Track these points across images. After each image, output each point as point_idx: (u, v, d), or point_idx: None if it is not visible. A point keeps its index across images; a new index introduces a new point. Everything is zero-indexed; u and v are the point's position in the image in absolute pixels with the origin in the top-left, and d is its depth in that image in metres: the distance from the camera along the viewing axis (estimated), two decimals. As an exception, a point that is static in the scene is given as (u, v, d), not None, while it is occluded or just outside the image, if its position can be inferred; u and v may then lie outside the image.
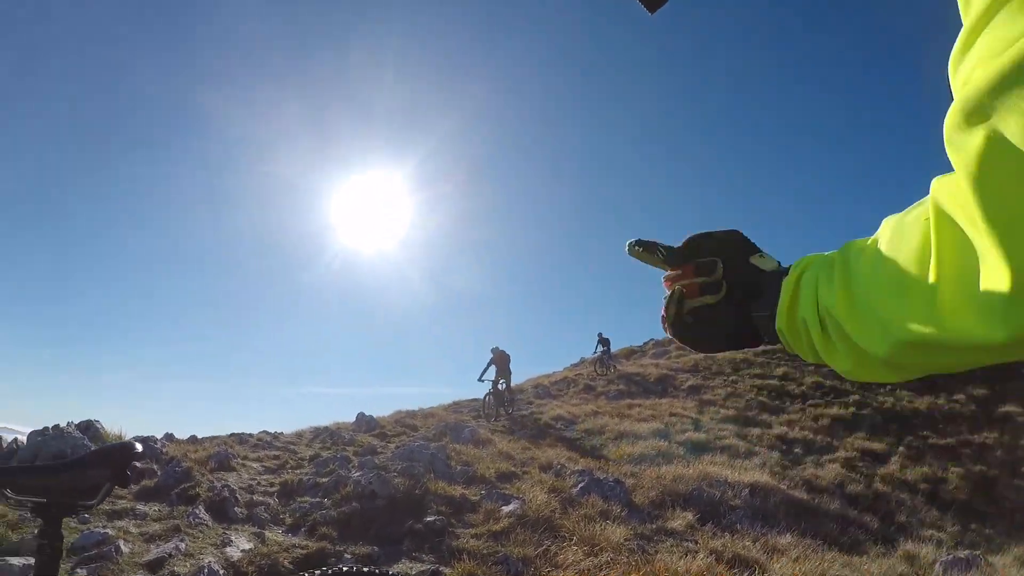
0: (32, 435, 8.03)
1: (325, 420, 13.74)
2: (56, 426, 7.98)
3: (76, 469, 1.47)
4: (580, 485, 7.23)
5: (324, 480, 7.39)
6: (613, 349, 23.78)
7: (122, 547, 4.92)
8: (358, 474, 7.13)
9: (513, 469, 8.28)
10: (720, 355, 23.21)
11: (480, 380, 16.75)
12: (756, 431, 13.92)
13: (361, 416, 13.71)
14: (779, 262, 0.91)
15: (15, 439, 8.55)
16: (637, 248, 0.97)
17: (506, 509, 6.22)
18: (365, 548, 5.42)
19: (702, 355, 23.86)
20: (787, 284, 0.83)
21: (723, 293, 0.91)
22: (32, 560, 4.53)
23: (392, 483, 6.70)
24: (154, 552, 5.01)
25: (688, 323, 0.93)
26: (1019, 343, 0.52)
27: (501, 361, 16.94)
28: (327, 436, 11.61)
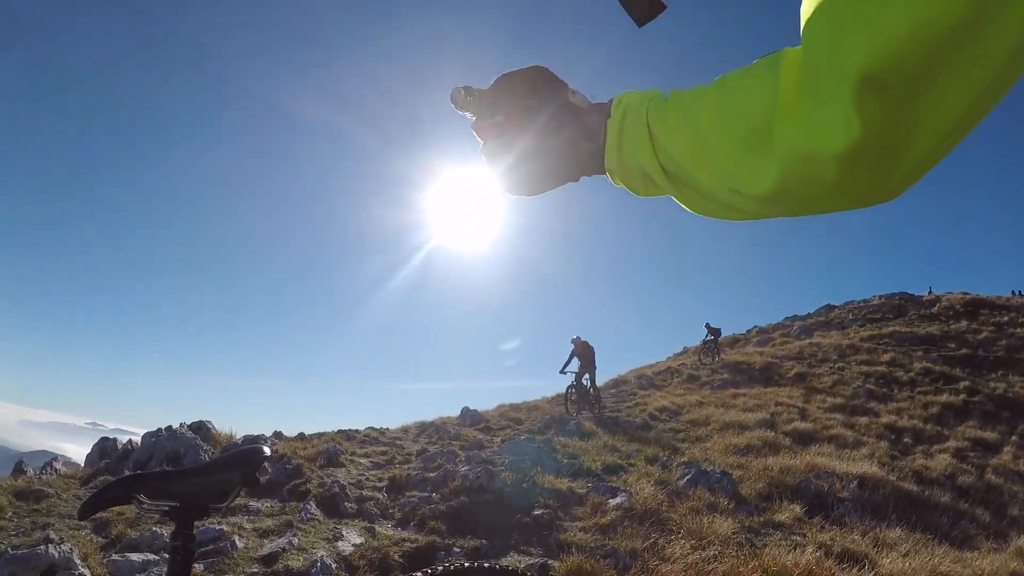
0: (146, 436, 8.50)
1: (428, 415, 14.09)
2: (169, 427, 8.40)
3: (207, 474, 1.52)
4: (686, 477, 7.20)
5: (432, 475, 7.56)
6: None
7: (237, 542, 5.13)
8: (465, 468, 7.27)
9: (619, 461, 8.30)
10: (826, 342, 22.53)
11: (562, 372, 15.49)
12: (864, 420, 13.44)
13: (466, 410, 14.00)
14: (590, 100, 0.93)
15: (129, 440, 9.10)
16: (462, 93, 0.95)
17: (613, 502, 6.25)
18: (474, 542, 5.50)
19: (806, 342, 23.20)
20: (612, 125, 0.85)
21: (544, 131, 0.92)
22: (150, 556, 4.76)
23: (499, 477, 6.82)
24: (268, 547, 5.19)
25: (513, 165, 0.94)
26: (856, 154, 0.58)
27: (584, 353, 15.69)
28: (432, 431, 11.87)
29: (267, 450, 1.61)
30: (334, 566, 4.89)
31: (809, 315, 32.40)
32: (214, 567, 4.73)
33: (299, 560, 4.98)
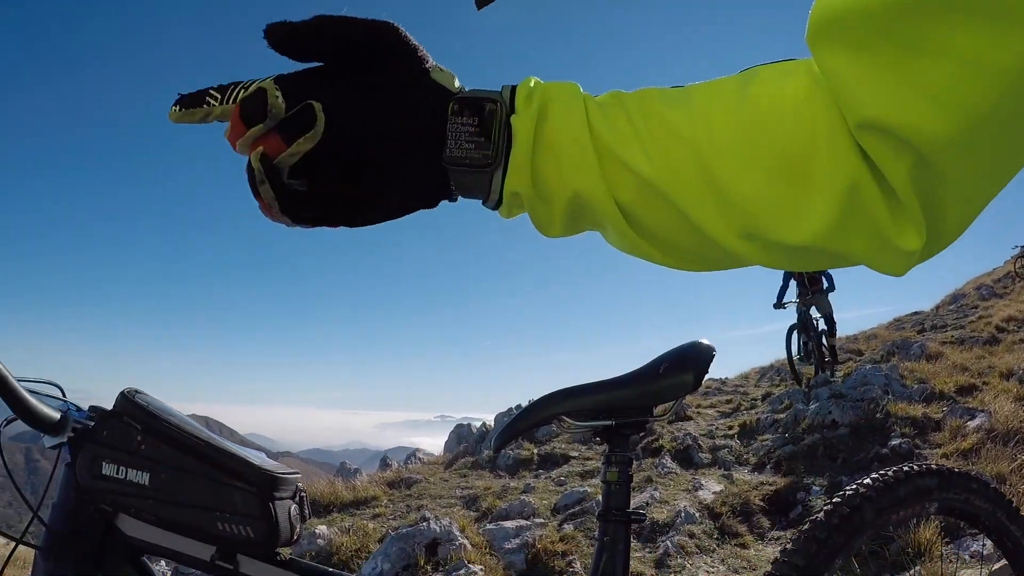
0: (499, 416, 9.13)
1: (765, 360, 14.06)
2: (518, 406, 8.44)
3: (651, 380, 1.28)
4: (1049, 390, 6.83)
5: (781, 416, 7.63)
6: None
7: (601, 502, 5.69)
8: (815, 405, 7.33)
9: (972, 381, 7.94)
10: None
11: (778, 307, 10.45)
12: None
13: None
14: (462, 84, 0.61)
15: (483, 423, 9.94)
16: (178, 110, 0.58)
17: (972, 424, 6.13)
18: (833, 478, 5.52)
19: None
20: (521, 125, 0.56)
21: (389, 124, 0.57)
22: (522, 522, 5.01)
23: (850, 410, 6.82)
24: (631, 503, 5.84)
25: (301, 193, 0.56)
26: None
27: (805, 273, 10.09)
28: (773, 374, 11.86)
29: (709, 343, 1.35)
30: (697, 515, 5.04)
31: None
32: (583, 525, 4.99)
33: (663, 512, 5.17)
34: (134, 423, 0.94)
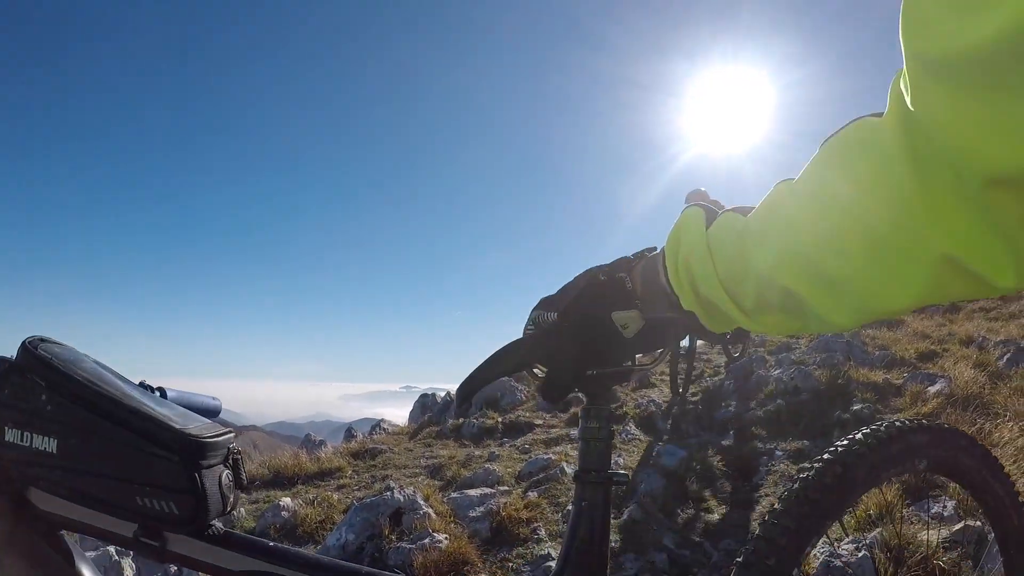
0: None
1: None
2: None
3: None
4: (1006, 356, 6.98)
5: (744, 382, 7.76)
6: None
7: (565, 468, 5.33)
8: (777, 372, 7.42)
9: (932, 347, 8.11)
10: None
11: None
12: None
13: (766, 315, 13.96)
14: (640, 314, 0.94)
15: (447, 392, 10.05)
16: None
17: (932, 389, 6.21)
18: (796, 443, 5.56)
19: None
20: (680, 289, 0.80)
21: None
22: (486, 490, 4.96)
23: (813, 376, 6.91)
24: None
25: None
26: None
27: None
28: None
29: None
30: (663, 480, 5.08)
31: None
32: (548, 492, 5.00)
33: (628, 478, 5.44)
34: (38, 379, 0.80)
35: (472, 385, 1.07)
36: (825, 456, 1.25)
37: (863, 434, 1.29)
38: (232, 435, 0.87)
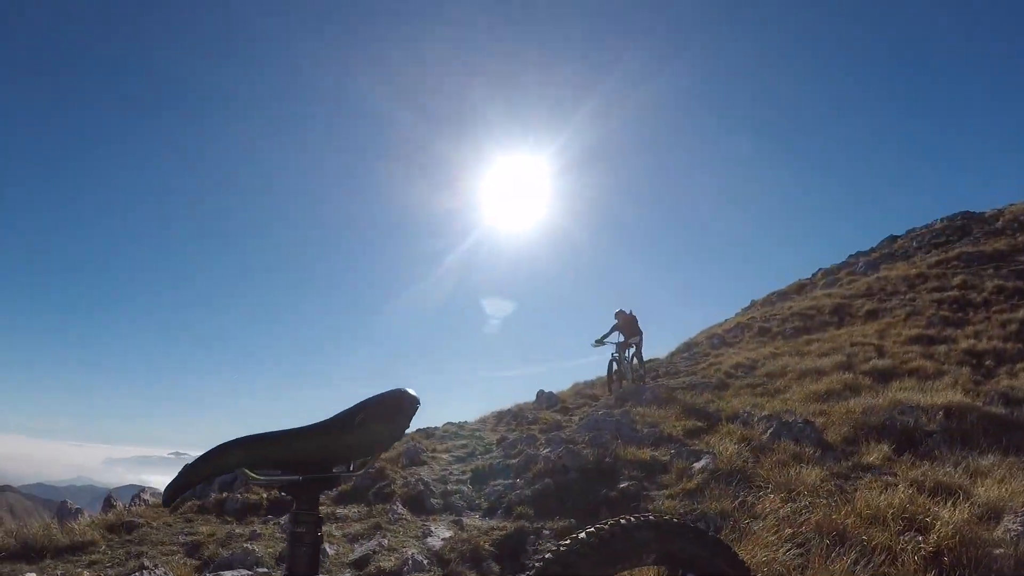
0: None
1: (503, 403, 14.31)
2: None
3: (342, 429, 1.11)
4: (769, 431, 7.14)
5: (514, 461, 7.66)
6: (781, 287, 22.98)
7: (327, 550, 5.21)
8: (547, 451, 7.33)
9: (700, 424, 8.29)
10: (893, 274, 21.88)
11: (596, 344, 14.84)
12: (942, 348, 13.00)
13: (541, 393, 14.11)
14: None
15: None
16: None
17: (697, 465, 6.24)
18: (562, 522, 5.55)
19: (873, 278, 22.57)
20: None
21: None
22: (243, 572, 4.74)
23: (581, 455, 6.85)
24: (358, 551, 5.31)
25: None
26: None
27: (627, 325, 14.79)
28: (511, 418, 11.99)
29: (415, 393, 1.21)
30: (426, 562, 5.00)
31: (873, 249, 31.44)
32: None
33: (391, 560, 5.09)
34: None
35: (181, 485, 1.16)
36: (547, 556, 1.26)
37: (587, 532, 1.36)
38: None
